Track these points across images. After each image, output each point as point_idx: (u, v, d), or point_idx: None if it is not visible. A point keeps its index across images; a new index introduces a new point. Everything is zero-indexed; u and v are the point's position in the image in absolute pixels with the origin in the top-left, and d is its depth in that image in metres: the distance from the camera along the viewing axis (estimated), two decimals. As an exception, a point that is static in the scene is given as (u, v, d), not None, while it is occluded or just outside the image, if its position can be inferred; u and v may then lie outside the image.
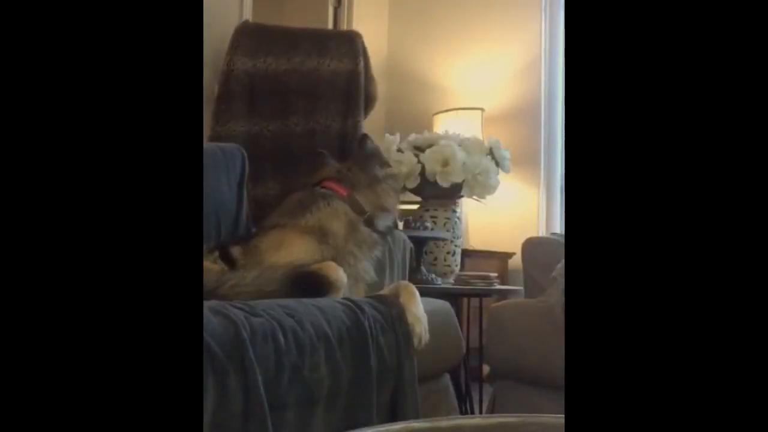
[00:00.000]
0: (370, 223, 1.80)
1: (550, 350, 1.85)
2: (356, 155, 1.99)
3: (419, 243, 2.61)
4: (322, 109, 2.63)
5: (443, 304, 1.93)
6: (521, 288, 2.54)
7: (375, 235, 1.80)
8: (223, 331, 1.18)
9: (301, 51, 2.72)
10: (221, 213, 2.03)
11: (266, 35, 2.78)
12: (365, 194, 1.84)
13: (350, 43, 2.73)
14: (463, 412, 2.48)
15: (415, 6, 4.44)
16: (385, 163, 2.03)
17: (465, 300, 2.97)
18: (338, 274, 1.56)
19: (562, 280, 1.95)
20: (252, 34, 2.76)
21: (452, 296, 2.53)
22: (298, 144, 2.60)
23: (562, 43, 3.90)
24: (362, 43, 2.74)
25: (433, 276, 2.69)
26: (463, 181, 2.79)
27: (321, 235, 1.70)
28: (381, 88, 2.91)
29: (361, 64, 2.67)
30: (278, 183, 2.55)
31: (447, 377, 1.92)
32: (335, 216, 1.74)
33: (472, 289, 2.68)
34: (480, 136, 3.62)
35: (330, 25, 4.19)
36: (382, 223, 1.84)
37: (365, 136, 2.04)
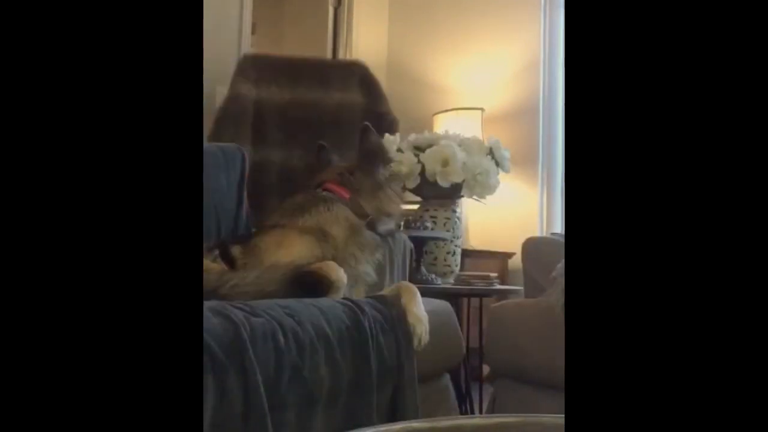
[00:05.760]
0: (372, 226, 1.79)
1: (550, 350, 1.85)
2: (359, 151, 1.94)
3: (419, 243, 2.61)
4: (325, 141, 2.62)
5: (443, 304, 1.93)
6: (521, 288, 2.54)
7: (377, 238, 1.79)
8: (223, 332, 1.18)
9: (305, 82, 2.70)
10: (221, 212, 2.03)
11: (270, 65, 2.77)
12: (368, 199, 1.82)
13: (351, 74, 2.71)
14: (463, 412, 2.48)
15: (415, 6, 4.44)
16: (389, 161, 1.99)
17: (465, 300, 2.97)
18: (339, 273, 1.56)
19: (562, 280, 1.95)
20: (256, 64, 2.75)
21: (452, 296, 2.52)
22: (300, 176, 2.57)
23: (562, 43, 3.90)
24: (365, 72, 2.71)
25: (433, 276, 2.69)
26: (463, 181, 2.79)
27: (321, 234, 1.70)
28: (391, 113, 2.92)
29: (364, 96, 2.63)
30: (278, 216, 2.53)
31: (447, 377, 1.92)
32: (335, 221, 1.74)
33: (472, 289, 2.68)
34: (480, 136, 3.61)
35: (330, 26, 4.19)
36: (384, 227, 1.83)
37: (367, 128, 1.95)
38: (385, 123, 2.69)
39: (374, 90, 2.73)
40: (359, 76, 2.74)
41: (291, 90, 2.70)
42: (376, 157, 1.92)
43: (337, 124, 2.65)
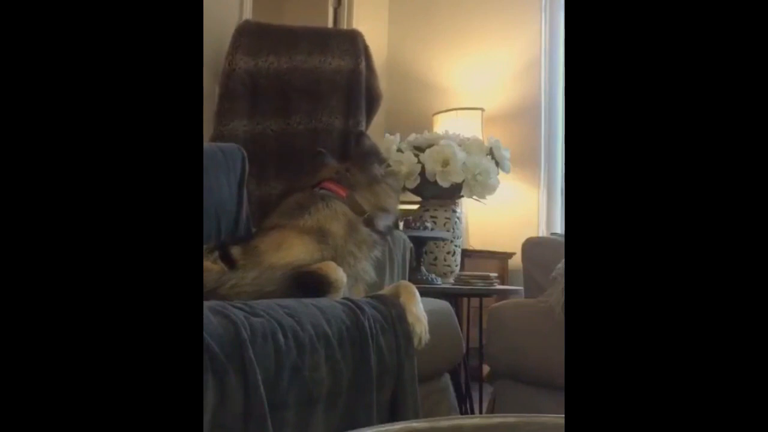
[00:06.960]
0: (369, 223, 1.80)
1: (550, 350, 1.85)
2: (354, 154, 1.99)
3: (419, 243, 2.61)
4: (324, 107, 2.63)
5: (443, 304, 1.93)
6: (521, 288, 2.54)
7: (375, 235, 1.80)
8: (223, 331, 1.18)
9: (303, 49, 2.72)
10: (221, 213, 2.03)
11: (267, 34, 2.78)
12: (364, 194, 1.83)
13: (351, 41, 2.74)
14: (463, 412, 2.48)
15: (415, 6, 4.44)
16: (383, 161, 2.03)
17: (465, 300, 2.97)
18: (338, 273, 1.56)
19: (562, 280, 1.95)
20: (253, 33, 2.76)
21: (452, 296, 2.53)
22: (301, 142, 2.60)
23: (562, 43, 3.90)
24: (363, 41, 2.75)
25: (433, 276, 2.69)
26: (463, 181, 2.79)
27: (320, 235, 1.70)
28: (381, 88, 2.93)
29: (363, 62, 2.67)
30: (282, 182, 2.55)
31: (447, 377, 1.92)
32: (334, 217, 1.74)
33: (472, 289, 2.68)
34: (480, 136, 3.62)
35: (330, 26, 4.19)
36: (382, 223, 1.84)
37: (362, 134, 2.04)
38: (376, 95, 2.71)
39: (370, 62, 2.76)
40: (360, 43, 2.76)
41: (289, 58, 2.72)
42: (372, 155, 1.95)
43: (336, 89, 2.67)
